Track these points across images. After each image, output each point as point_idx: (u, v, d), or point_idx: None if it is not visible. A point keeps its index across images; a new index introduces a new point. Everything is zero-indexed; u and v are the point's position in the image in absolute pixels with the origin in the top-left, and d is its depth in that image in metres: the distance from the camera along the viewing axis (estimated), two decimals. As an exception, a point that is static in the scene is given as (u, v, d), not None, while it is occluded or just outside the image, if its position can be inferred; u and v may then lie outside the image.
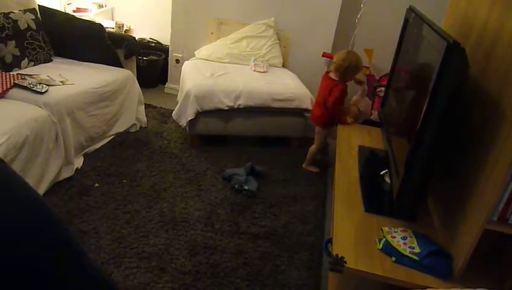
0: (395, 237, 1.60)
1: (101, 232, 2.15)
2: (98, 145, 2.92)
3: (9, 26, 2.72)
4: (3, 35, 2.69)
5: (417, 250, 1.52)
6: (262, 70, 3.55)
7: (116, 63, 3.17)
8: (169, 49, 4.15)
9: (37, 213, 0.69)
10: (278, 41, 3.80)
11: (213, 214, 2.43)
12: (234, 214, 2.45)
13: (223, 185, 2.73)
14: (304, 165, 3.10)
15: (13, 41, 2.75)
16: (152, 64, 4.21)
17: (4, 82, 2.47)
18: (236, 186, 2.67)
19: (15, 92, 2.44)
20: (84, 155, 2.77)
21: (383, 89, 2.94)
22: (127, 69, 3.24)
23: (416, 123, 1.51)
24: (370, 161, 2.32)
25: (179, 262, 2.03)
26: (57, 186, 2.45)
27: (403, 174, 1.59)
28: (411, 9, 2.13)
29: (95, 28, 3.17)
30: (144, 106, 3.39)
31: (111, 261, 1.98)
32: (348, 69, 2.77)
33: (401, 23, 2.30)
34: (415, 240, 1.57)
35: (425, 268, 1.49)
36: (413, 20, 2.06)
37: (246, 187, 2.64)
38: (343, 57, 2.77)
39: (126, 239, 2.13)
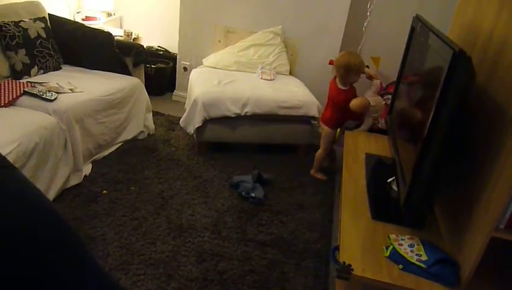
0: (402, 245, 1.59)
1: (108, 239, 2.17)
2: (106, 153, 2.94)
3: (19, 34, 2.77)
4: (13, 43, 2.73)
5: (424, 258, 1.52)
6: (270, 78, 3.56)
7: (124, 71, 3.21)
8: (177, 57, 4.19)
9: (47, 219, 0.70)
10: (285, 49, 3.82)
11: (220, 221, 2.44)
12: (241, 221, 2.46)
13: (230, 192, 2.73)
14: (311, 172, 3.10)
15: (23, 50, 2.79)
16: (160, 72, 4.24)
17: (14, 90, 2.50)
18: (243, 193, 2.68)
19: (25, 99, 2.47)
20: (93, 162, 2.80)
21: (389, 96, 2.94)
22: (136, 77, 3.27)
23: (423, 131, 1.52)
24: (377, 169, 2.32)
25: (186, 269, 2.04)
26: (65, 193, 2.47)
27: (409, 181, 1.60)
28: (417, 18, 2.14)
29: (104, 36, 3.21)
30: (151, 114, 3.42)
31: (119, 268, 1.99)
32: (345, 69, 2.77)
33: (408, 31, 2.30)
34: (422, 248, 1.57)
35: (432, 276, 1.48)
36: (419, 29, 2.07)
37: (253, 194, 2.65)
38: (341, 57, 2.82)
39: (134, 246, 2.15)
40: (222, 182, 2.84)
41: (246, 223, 2.45)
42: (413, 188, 1.58)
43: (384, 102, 3.23)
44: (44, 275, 0.65)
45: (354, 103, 2.77)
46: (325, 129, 3.01)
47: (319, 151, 3.06)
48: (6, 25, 2.71)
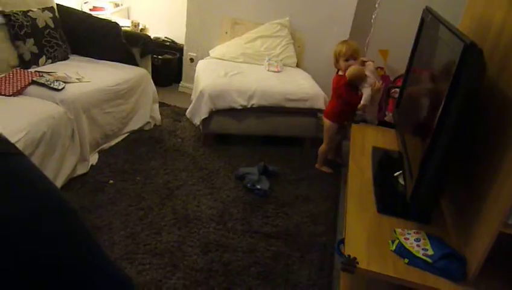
0: (408, 239, 1.59)
1: (114, 228, 2.18)
2: (112, 143, 2.95)
3: (28, 24, 2.77)
4: (22, 33, 2.73)
5: (430, 252, 1.51)
6: (276, 70, 3.55)
7: (131, 61, 3.21)
8: (184, 48, 4.18)
9: (55, 207, 0.70)
10: (292, 41, 3.80)
11: (225, 212, 2.44)
12: (246, 213, 2.46)
13: (235, 183, 2.74)
14: (316, 166, 3.09)
15: (32, 39, 2.79)
16: (167, 63, 4.24)
17: (22, 79, 2.51)
18: (248, 185, 2.68)
19: (33, 88, 2.48)
20: (99, 152, 2.81)
21: (397, 90, 2.91)
22: (142, 67, 3.27)
23: (431, 124, 1.50)
24: (384, 162, 2.31)
25: (191, 259, 2.05)
26: (72, 182, 2.49)
27: (417, 175, 1.58)
28: (427, 10, 2.11)
29: (111, 27, 3.20)
30: (158, 104, 3.42)
31: (124, 257, 2.00)
32: (334, 56, 2.88)
33: (417, 23, 2.28)
34: (428, 242, 1.56)
35: (438, 271, 1.47)
36: (429, 21, 2.04)
37: (259, 186, 2.65)
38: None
39: (139, 235, 2.16)
40: (228, 173, 2.84)
41: (251, 215, 2.45)
42: (420, 182, 1.57)
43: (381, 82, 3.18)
44: (50, 264, 0.65)
45: (349, 71, 2.79)
46: (326, 122, 2.99)
47: (322, 146, 3.05)
48: (15, 15, 2.71)
